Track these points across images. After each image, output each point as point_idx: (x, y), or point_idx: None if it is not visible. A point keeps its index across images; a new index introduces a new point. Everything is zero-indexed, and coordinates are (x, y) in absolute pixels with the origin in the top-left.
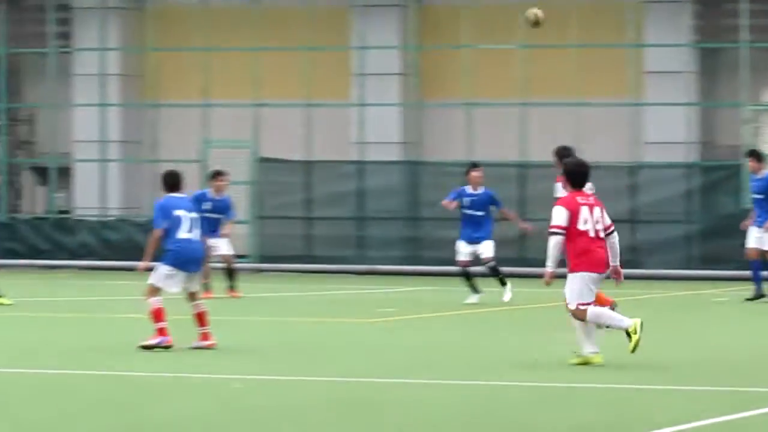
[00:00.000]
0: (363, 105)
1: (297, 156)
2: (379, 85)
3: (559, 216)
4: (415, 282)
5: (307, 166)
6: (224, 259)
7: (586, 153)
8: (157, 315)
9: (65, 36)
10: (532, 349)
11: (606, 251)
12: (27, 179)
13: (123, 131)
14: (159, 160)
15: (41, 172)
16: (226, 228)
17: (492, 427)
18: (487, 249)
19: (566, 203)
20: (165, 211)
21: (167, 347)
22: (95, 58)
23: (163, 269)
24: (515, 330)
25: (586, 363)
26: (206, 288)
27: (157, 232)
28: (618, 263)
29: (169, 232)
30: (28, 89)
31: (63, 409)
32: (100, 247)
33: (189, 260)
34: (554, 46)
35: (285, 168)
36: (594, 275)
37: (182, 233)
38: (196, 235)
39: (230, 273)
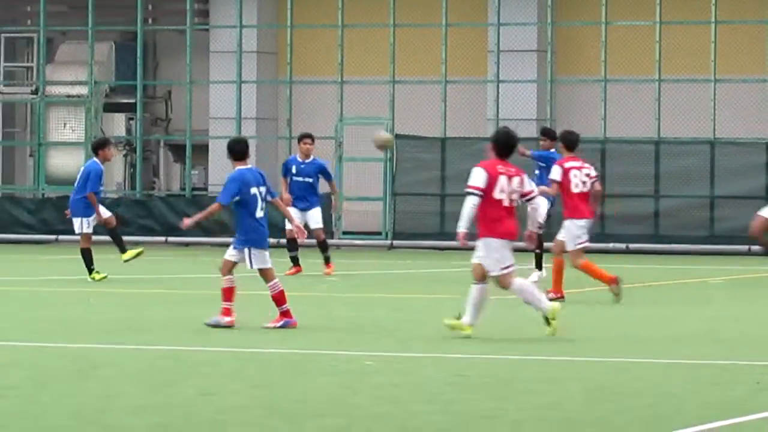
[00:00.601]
0: (499, 82)
1: (432, 133)
2: (515, 62)
3: (477, 177)
4: (547, 259)
5: (442, 142)
6: (315, 234)
7: (719, 129)
8: (280, 297)
9: (203, 13)
10: (669, 325)
11: (516, 221)
12: (163, 156)
13: (259, 108)
14: (295, 137)
15: (177, 149)
16: (332, 188)
17: (620, 407)
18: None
19: (487, 167)
20: (239, 187)
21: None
22: (232, 35)
23: (257, 252)
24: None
25: (455, 328)
26: (295, 263)
27: (218, 206)
28: (535, 228)
29: (245, 210)
30: (165, 66)
31: (200, 386)
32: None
33: (264, 238)
34: (691, 23)
35: (420, 145)
36: (503, 241)
37: (258, 212)
38: (265, 210)
39: (322, 246)
